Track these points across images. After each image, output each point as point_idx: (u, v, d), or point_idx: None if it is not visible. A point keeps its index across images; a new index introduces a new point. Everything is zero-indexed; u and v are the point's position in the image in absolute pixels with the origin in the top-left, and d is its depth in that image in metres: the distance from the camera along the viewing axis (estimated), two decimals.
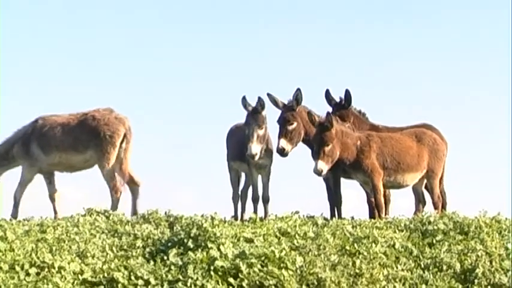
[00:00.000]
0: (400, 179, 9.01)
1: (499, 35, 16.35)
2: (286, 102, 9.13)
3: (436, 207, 8.95)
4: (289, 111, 9.04)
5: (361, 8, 18.33)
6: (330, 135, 8.61)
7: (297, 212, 7.99)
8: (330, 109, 9.20)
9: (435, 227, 7.20)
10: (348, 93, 9.25)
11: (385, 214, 9.29)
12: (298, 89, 9.06)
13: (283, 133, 8.95)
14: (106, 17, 18.56)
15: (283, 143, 8.90)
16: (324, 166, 8.56)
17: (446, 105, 17.02)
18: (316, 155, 8.58)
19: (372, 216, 8.79)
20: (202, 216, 7.46)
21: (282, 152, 8.90)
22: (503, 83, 15.20)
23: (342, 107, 9.24)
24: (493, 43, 17.49)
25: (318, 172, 8.55)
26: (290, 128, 8.95)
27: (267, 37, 18.19)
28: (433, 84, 17.79)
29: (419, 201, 9.27)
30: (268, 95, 9.17)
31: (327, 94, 9.33)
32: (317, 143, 8.64)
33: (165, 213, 8.04)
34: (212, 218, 7.06)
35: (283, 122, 9.00)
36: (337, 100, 9.31)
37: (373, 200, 8.87)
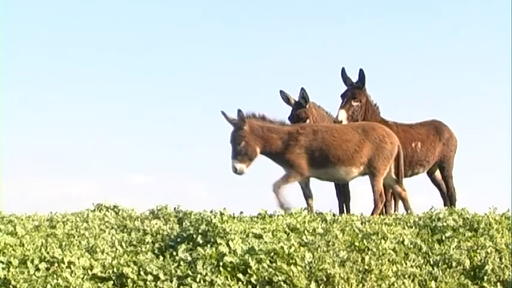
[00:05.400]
0: (332, 172, 8.77)
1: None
2: (297, 100, 9.23)
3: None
4: (300, 108, 9.16)
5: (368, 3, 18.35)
6: (241, 132, 8.58)
7: (306, 208, 7.99)
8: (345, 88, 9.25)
9: (444, 224, 7.18)
10: (361, 73, 9.20)
11: (395, 210, 9.31)
12: (302, 88, 9.18)
13: None
14: (106, 17, 18.63)
15: None
16: (239, 164, 8.53)
17: (457, 101, 17.01)
18: (231, 154, 8.59)
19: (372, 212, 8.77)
20: (211, 212, 7.46)
21: None
22: (505, 78, 15.15)
23: (356, 87, 9.21)
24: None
25: (234, 171, 8.55)
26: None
27: (275, 34, 18.21)
28: (443, 80, 17.78)
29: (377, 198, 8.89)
30: (281, 92, 9.27)
31: (343, 73, 9.28)
32: (230, 142, 8.65)
33: (174, 208, 8.05)
34: (221, 214, 7.07)
35: (296, 119, 9.12)
36: (353, 80, 9.27)
37: None
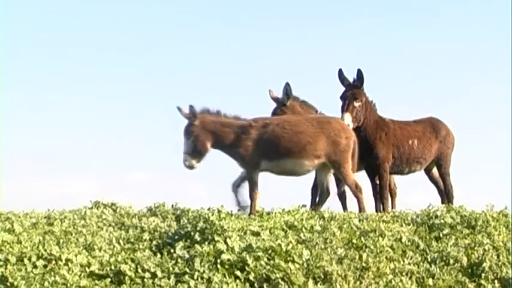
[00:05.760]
0: (284, 165, 8.72)
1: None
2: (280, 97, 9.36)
3: (358, 199, 8.66)
4: (282, 105, 9.29)
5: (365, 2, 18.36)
6: (192, 127, 8.63)
7: (303, 206, 8.00)
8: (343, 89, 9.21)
9: (442, 221, 7.19)
10: (360, 73, 9.14)
11: (392, 208, 9.31)
12: (287, 84, 9.25)
13: None
14: (106, 17, 18.62)
15: None
16: (190, 158, 8.59)
17: (454, 99, 17.03)
18: (183, 149, 8.64)
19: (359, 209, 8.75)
20: (209, 209, 7.47)
21: None
22: (505, 78, 15.18)
23: (354, 87, 9.14)
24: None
25: (185, 166, 8.60)
26: None
27: (272, 33, 18.22)
28: (441, 78, 17.80)
29: (322, 192, 8.94)
30: (270, 91, 9.40)
31: (340, 74, 9.23)
32: (183, 136, 8.71)
33: (172, 206, 8.06)
34: (219, 211, 7.07)
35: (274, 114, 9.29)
36: (350, 80, 9.25)
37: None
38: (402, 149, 9.28)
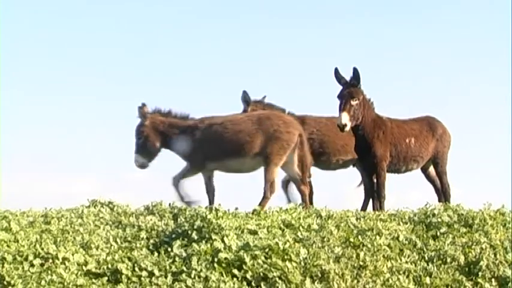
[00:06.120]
0: (227, 164, 8.87)
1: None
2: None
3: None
4: (244, 111, 9.50)
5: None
6: (142, 128, 8.83)
7: (301, 204, 8.00)
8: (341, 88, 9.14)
9: (439, 220, 7.19)
10: (356, 71, 9.03)
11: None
12: (243, 91, 9.49)
13: None
14: (106, 17, 18.60)
15: None
16: (140, 158, 8.84)
17: (454, 98, 17.04)
18: (134, 148, 8.93)
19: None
20: (206, 208, 7.46)
21: None
22: (505, 77, 15.19)
23: (351, 85, 9.05)
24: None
25: (136, 165, 8.87)
26: None
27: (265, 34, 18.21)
28: (438, 76, 17.80)
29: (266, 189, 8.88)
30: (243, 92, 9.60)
31: (336, 73, 9.11)
32: (134, 136, 8.98)
33: (169, 204, 8.04)
34: (216, 210, 7.06)
35: None
36: (347, 79, 9.21)
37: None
38: (399, 148, 9.28)
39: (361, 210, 9.14)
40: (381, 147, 9.15)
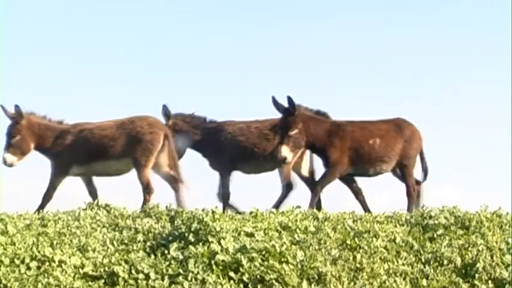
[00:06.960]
0: (94, 168, 9.19)
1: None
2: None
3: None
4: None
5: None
6: (18, 127, 9.06)
7: (298, 207, 8.00)
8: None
9: (436, 222, 7.19)
10: (290, 100, 9.03)
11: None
12: (163, 105, 9.72)
13: None
14: (106, 17, 18.58)
15: None
16: (10, 156, 9.07)
17: (446, 100, 17.05)
18: (4, 146, 9.12)
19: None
20: (203, 210, 7.45)
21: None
22: (505, 77, 15.19)
23: (288, 114, 9.07)
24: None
25: (4, 163, 9.07)
26: None
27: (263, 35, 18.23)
28: (438, 76, 17.81)
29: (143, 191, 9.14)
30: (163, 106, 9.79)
31: (274, 101, 9.12)
32: (5, 134, 9.18)
33: (166, 207, 8.04)
34: (213, 212, 7.05)
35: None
36: (285, 106, 9.08)
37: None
38: (362, 150, 9.30)
39: (364, 211, 9.15)
40: (335, 152, 9.20)
